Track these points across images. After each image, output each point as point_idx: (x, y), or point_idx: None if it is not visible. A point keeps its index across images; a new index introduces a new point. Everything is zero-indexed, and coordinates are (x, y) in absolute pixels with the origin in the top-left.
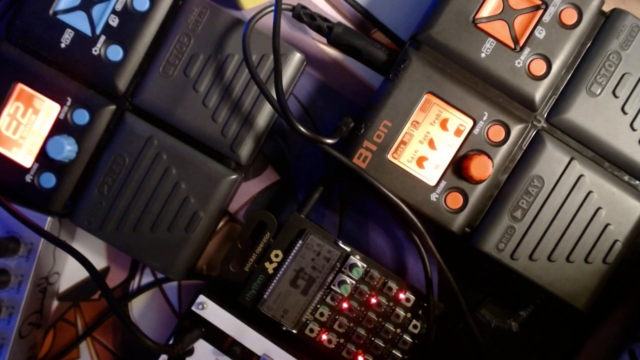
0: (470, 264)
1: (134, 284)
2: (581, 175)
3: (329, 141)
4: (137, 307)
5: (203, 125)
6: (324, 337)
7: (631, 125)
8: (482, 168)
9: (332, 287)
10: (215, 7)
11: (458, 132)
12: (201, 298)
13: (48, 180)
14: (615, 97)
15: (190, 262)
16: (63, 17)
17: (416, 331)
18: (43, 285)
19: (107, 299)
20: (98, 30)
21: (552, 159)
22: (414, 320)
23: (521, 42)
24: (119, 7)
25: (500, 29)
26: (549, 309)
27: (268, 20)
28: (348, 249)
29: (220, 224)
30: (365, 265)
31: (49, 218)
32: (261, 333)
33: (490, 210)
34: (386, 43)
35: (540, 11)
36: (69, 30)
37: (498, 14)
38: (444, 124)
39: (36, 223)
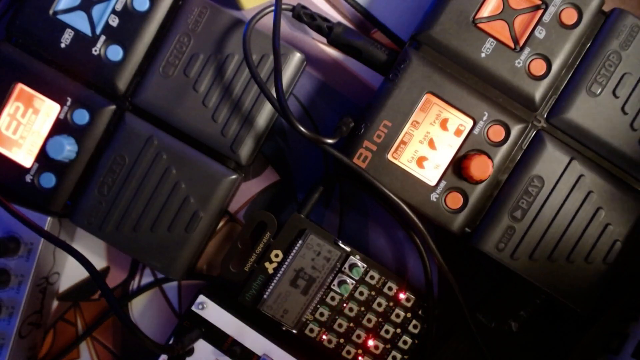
0: (470, 264)
1: (134, 284)
2: (581, 175)
3: (329, 141)
4: (137, 307)
5: (203, 125)
6: (324, 337)
7: (631, 125)
8: (482, 168)
9: (332, 287)
10: (215, 7)
11: (458, 132)
12: (201, 298)
13: (48, 180)
14: (615, 97)
15: (190, 262)
16: (63, 17)
17: (416, 331)
18: (43, 285)
19: (107, 299)
20: (98, 30)
21: (552, 159)
22: (414, 320)
23: (521, 42)
24: (119, 7)
25: (500, 29)
26: (549, 309)
27: (268, 20)
28: (348, 249)
29: (220, 224)
30: (365, 265)
31: (49, 218)
32: (261, 333)
33: (490, 210)
34: (386, 43)
35: (540, 11)
36: (69, 30)
37: (498, 14)
38: (444, 124)
39: (36, 223)
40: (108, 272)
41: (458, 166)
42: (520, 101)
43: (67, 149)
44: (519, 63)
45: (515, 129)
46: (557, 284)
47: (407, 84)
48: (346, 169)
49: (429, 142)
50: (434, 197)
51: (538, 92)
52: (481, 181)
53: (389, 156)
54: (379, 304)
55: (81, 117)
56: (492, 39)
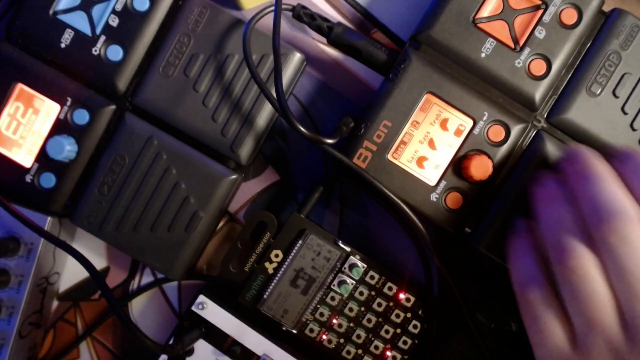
0: (470, 264)
1: (134, 284)
2: None
3: (329, 141)
4: (137, 307)
5: (203, 125)
6: (324, 337)
7: (631, 125)
8: (482, 168)
9: (332, 287)
10: (215, 7)
11: (458, 132)
12: (201, 298)
13: (48, 180)
14: (615, 97)
15: (190, 262)
16: (63, 17)
17: (416, 331)
18: (43, 285)
19: (107, 299)
20: (98, 30)
21: (553, 159)
22: (414, 320)
23: (521, 42)
24: (119, 7)
25: (500, 29)
26: None
27: (268, 20)
28: (348, 249)
29: (220, 224)
30: (365, 265)
31: (49, 218)
32: (261, 333)
33: (490, 211)
34: (386, 43)
35: (540, 11)
36: (69, 30)
37: (498, 14)
38: (444, 124)
39: (36, 223)
40: (108, 272)
41: (458, 166)
42: (520, 101)
43: (67, 149)
44: (519, 63)
45: (515, 129)
46: None
47: (407, 84)
48: (346, 169)
49: (429, 142)
50: (434, 197)
51: (538, 92)
52: (481, 181)
53: (389, 156)
54: (379, 304)
55: (81, 117)
56: (492, 39)
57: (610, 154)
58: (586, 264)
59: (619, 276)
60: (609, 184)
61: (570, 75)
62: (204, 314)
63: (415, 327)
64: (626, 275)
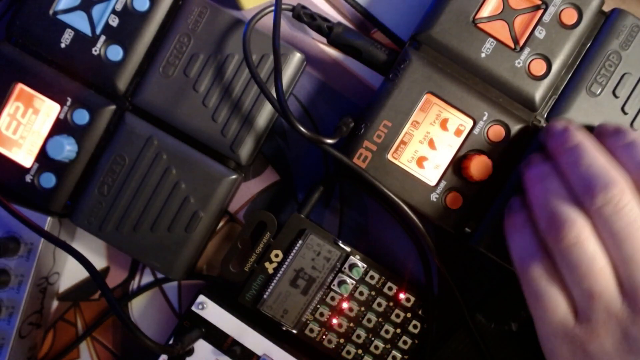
0: (470, 264)
1: (134, 284)
2: None
3: (329, 141)
4: (137, 307)
5: (203, 125)
6: (324, 337)
7: (631, 125)
8: (482, 168)
9: (332, 287)
10: (215, 7)
11: (458, 132)
12: (201, 298)
13: (48, 180)
14: (615, 97)
15: (190, 262)
16: (63, 17)
17: (416, 331)
18: (43, 285)
19: (107, 299)
20: (98, 30)
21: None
22: (414, 320)
23: (521, 42)
24: (119, 7)
25: (500, 29)
26: None
27: (268, 20)
28: (348, 249)
29: (220, 224)
30: (365, 265)
31: (49, 218)
32: (261, 333)
33: (490, 211)
34: (386, 43)
35: (540, 11)
36: (69, 30)
37: (498, 14)
38: (444, 124)
39: (36, 223)
40: (108, 272)
41: (458, 166)
42: (520, 101)
43: (67, 149)
44: (519, 63)
45: (515, 129)
46: None
47: (407, 84)
48: (346, 169)
49: (429, 142)
50: (434, 197)
51: (538, 92)
52: (481, 181)
53: (389, 156)
54: (379, 304)
55: (81, 117)
56: (492, 39)
57: (597, 132)
58: (580, 236)
59: (615, 245)
60: (596, 155)
61: (570, 75)
62: (204, 314)
63: (415, 327)
64: (623, 243)
